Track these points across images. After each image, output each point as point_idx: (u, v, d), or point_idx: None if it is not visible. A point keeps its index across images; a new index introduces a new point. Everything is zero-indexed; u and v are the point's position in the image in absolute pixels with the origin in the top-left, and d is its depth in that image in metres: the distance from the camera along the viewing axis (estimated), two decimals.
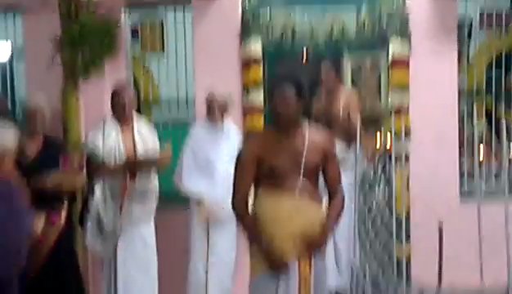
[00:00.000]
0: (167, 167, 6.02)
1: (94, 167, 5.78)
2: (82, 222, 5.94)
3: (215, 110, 6.14)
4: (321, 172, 4.36)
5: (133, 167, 5.83)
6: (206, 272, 6.14)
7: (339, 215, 4.38)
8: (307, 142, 4.27)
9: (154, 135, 6.12)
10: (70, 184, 5.75)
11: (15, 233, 4.58)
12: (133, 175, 5.79)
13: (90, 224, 5.76)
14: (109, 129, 5.85)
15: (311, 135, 4.33)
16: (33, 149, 5.59)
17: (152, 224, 6.01)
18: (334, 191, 4.41)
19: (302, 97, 4.24)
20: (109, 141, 5.77)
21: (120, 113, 5.88)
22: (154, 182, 5.99)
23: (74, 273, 5.84)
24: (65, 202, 5.77)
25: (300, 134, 4.30)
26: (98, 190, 5.74)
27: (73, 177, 5.83)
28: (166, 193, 6.28)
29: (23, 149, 5.43)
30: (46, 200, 5.49)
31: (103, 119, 5.97)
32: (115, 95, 5.92)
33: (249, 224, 4.31)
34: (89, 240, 5.81)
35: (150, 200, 6.00)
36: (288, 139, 4.30)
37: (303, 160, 4.25)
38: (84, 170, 5.94)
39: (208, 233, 6.15)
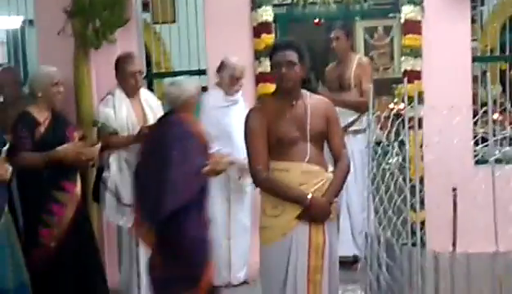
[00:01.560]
0: None
1: (107, 139, 5.78)
2: (95, 195, 6.00)
3: (237, 80, 6.19)
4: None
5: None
6: (229, 238, 6.32)
7: (343, 180, 4.41)
8: (309, 109, 4.30)
9: (160, 105, 6.16)
10: (83, 155, 5.73)
11: (189, 170, 5.06)
12: None
13: (108, 197, 5.80)
14: (119, 101, 5.86)
15: (312, 102, 4.35)
16: (44, 121, 5.59)
17: None
18: (338, 156, 4.42)
19: (305, 62, 4.26)
20: (120, 113, 5.79)
21: (126, 84, 5.92)
22: None
23: (91, 242, 5.88)
24: (77, 174, 5.80)
25: (302, 101, 4.33)
26: (114, 163, 5.77)
27: (84, 149, 5.79)
28: None
29: (36, 119, 5.51)
30: (60, 170, 5.55)
31: (111, 91, 5.98)
32: (120, 64, 5.95)
33: (276, 186, 4.28)
34: (108, 213, 5.87)
35: None
36: (291, 106, 4.32)
37: (308, 127, 4.28)
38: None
39: (229, 203, 6.32)
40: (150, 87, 7.29)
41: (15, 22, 8.73)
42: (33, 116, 5.54)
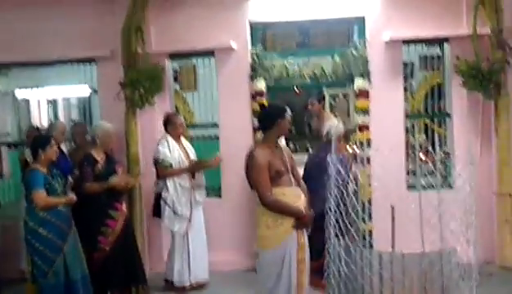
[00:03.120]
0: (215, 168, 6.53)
1: (165, 170, 6.02)
2: (156, 211, 6.20)
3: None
4: None
5: (197, 167, 6.19)
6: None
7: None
8: (284, 150, 4.58)
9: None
10: (128, 183, 5.96)
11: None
12: (194, 174, 6.13)
13: (167, 210, 6.01)
14: (171, 143, 6.09)
15: (281, 145, 4.67)
16: (101, 160, 5.72)
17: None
18: (299, 182, 4.64)
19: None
20: (174, 152, 6.05)
21: (176, 132, 6.16)
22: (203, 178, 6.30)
23: (134, 244, 5.97)
24: (124, 196, 5.97)
25: (278, 145, 4.55)
26: (171, 186, 6.00)
27: (129, 179, 6.04)
28: None
29: (96, 159, 5.71)
30: (113, 194, 5.70)
31: (163, 137, 6.16)
32: (171, 119, 6.19)
33: (282, 205, 4.35)
34: (166, 221, 6.07)
35: (203, 190, 6.30)
36: (276, 148, 4.48)
37: (288, 162, 4.48)
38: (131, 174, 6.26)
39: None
40: None
41: (84, 91, 8.86)
42: (93, 156, 5.69)
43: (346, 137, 6.75)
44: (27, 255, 5.72)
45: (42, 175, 5.17)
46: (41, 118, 9.72)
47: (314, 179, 5.38)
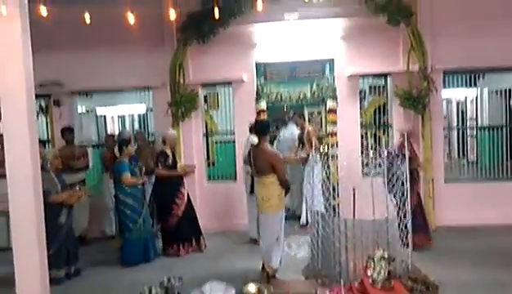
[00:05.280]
0: None
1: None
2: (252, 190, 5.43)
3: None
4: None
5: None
6: None
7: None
8: None
9: None
10: (187, 171, 5.87)
11: None
12: None
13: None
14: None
15: None
16: (170, 155, 5.67)
17: None
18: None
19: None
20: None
21: None
22: None
23: (193, 211, 5.81)
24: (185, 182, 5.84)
25: None
26: None
27: (187, 168, 5.94)
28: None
29: (167, 154, 5.66)
30: (180, 178, 5.71)
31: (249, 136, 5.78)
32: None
33: (287, 181, 4.49)
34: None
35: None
36: None
37: None
38: None
39: None
40: (207, 141, 7.20)
41: (142, 109, 8.80)
42: (166, 152, 5.65)
43: (320, 140, 6.71)
44: (114, 220, 5.80)
45: (127, 164, 5.35)
46: (113, 128, 9.69)
47: None
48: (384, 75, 6.75)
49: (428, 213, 6.29)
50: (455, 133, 7.67)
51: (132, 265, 5.21)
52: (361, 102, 6.92)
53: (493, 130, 7.12)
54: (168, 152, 5.68)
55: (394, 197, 4.76)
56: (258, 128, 4.69)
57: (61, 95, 6.95)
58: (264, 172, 4.46)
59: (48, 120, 7.12)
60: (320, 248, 4.72)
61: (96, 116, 9.10)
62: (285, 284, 3.91)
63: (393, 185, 4.68)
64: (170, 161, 5.64)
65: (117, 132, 8.43)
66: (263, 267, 4.61)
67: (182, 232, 5.62)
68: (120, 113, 9.87)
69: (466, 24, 6.30)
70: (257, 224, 4.83)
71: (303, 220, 6.45)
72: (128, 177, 5.28)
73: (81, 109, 7.94)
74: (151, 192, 5.91)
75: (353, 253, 4.45)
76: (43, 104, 7.02)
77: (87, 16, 3.92)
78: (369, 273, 3.70)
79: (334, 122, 6.59)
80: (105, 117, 9.50)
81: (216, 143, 7.32)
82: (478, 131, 7.96)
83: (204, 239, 5.79)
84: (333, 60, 6.64)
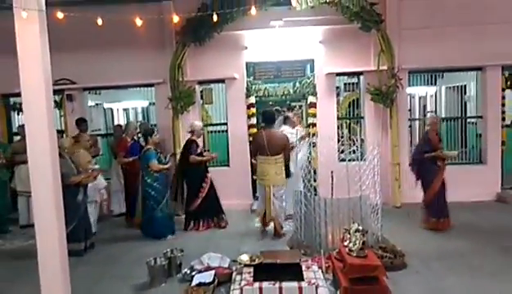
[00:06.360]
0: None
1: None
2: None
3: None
4: None
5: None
6: None
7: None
8: None
9: None
10: (212, 158, 5.78)
11: None
12: None
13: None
14: None
15: None
16: (198, 142, 5.67)
17: None
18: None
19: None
20: None
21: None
22: None
23: (215, 193, 5.72)
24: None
25: None
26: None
27: (212, 155, 5.79)
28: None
29: (198, 143, 5.62)
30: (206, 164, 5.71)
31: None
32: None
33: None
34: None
35: None
36: None
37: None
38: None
39: None
40: None
41: (145, 103, 8.73)
42: (196, 141, 5.62)
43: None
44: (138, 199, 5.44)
45: (154, 152, 5.27)
46: (119, 119, 9.54)
47: None
48: (358, 74, 6.77)
49: (394, 192, 6.45)
50: (417, 124, 7.77)
51: (154, 239, 5.19)
52: (337, 97, 6.96)
53: (449, 121, 7.27)
54: (198, 141, 5.65)
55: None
56: (267, 117, 5.11)
57: (73, 91, 6.86)
58: (278, 152, 4.91)
59: (62, 113, 7.03)
60: (302, 223, 4.77)
61: (104, 109, 8.98)
62: (273, 254, 3.97)
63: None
64: (199, 149, 5.63)
65: (123, 123, 8.33)
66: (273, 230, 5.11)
67: (203, 211, 5.60)
68: (125, 107, 9.74)
69: (429, 30, 6.39)
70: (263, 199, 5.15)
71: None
72: (155, 164, 5.19)
73: (90, 102, 7.84)
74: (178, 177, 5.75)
75: (331, 227, 4.51)
76: (58, 99, 6.90)
77: (99, 21, 3.91)
78: (345, 244, 3.77)
79: (314, 115, 6.60)
80: (111, 110, 9.37)
81: (210, 132, 7.28)
82: None
83: (224, 217, 5.75)
84: (313, 60, 6.64)
